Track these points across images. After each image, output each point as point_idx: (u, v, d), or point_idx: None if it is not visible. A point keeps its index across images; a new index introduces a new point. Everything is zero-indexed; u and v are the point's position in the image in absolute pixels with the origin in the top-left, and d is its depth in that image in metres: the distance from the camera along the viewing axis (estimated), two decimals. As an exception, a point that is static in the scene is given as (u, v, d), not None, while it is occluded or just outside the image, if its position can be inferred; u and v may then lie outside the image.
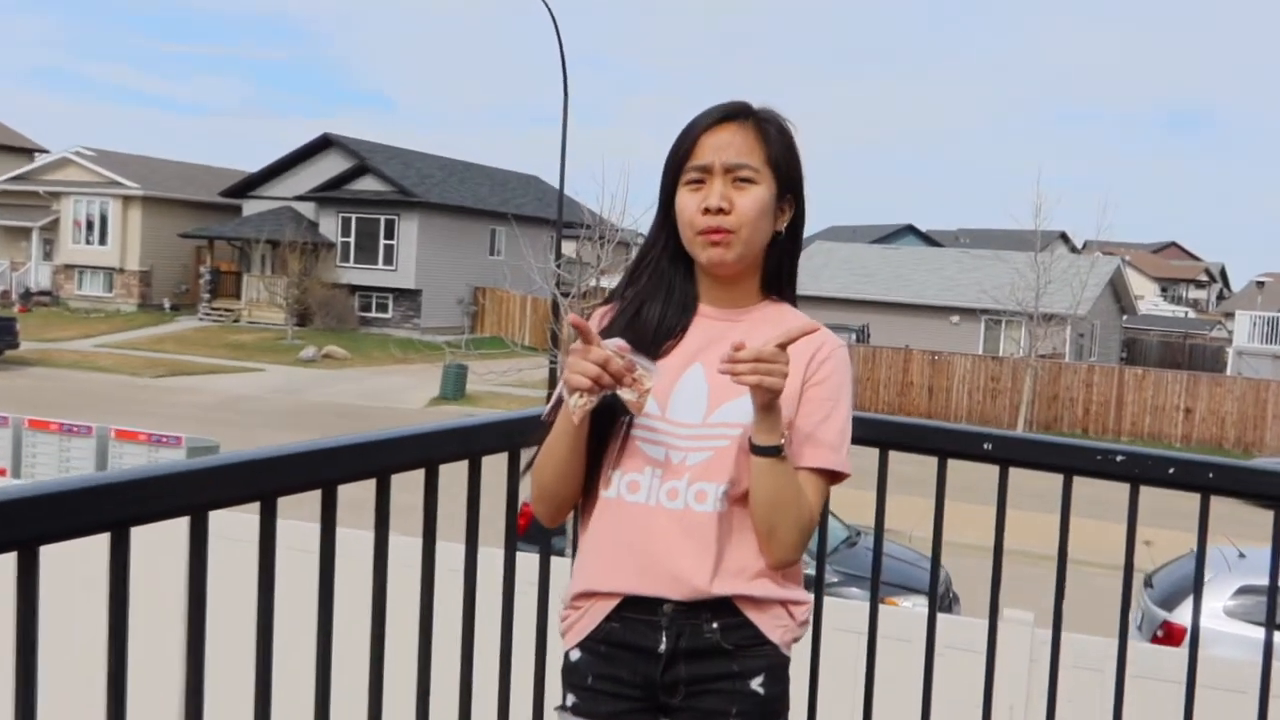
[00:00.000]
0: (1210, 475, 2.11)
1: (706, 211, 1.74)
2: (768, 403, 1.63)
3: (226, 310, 37.52)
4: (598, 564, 1.78)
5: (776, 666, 1.77)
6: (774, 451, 1.66)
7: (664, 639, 1.73)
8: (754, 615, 1.75)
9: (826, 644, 2.35)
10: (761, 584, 1.74)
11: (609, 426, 1.75)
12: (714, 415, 1.75)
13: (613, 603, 1.76)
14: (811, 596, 1.85)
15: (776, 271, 1.84)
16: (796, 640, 1.81)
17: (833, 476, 1.77)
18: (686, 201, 1.77)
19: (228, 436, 14.15)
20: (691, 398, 1.76)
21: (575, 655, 1.80)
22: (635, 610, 1.74)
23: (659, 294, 1.81)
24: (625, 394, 1.64)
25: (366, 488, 1.77)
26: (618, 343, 1.66)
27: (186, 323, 37.03)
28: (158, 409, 21.59)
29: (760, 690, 1.75)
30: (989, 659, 2.33)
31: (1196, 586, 2.19)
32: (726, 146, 1.76)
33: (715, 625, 1.73)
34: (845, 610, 4.41)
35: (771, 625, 1.77)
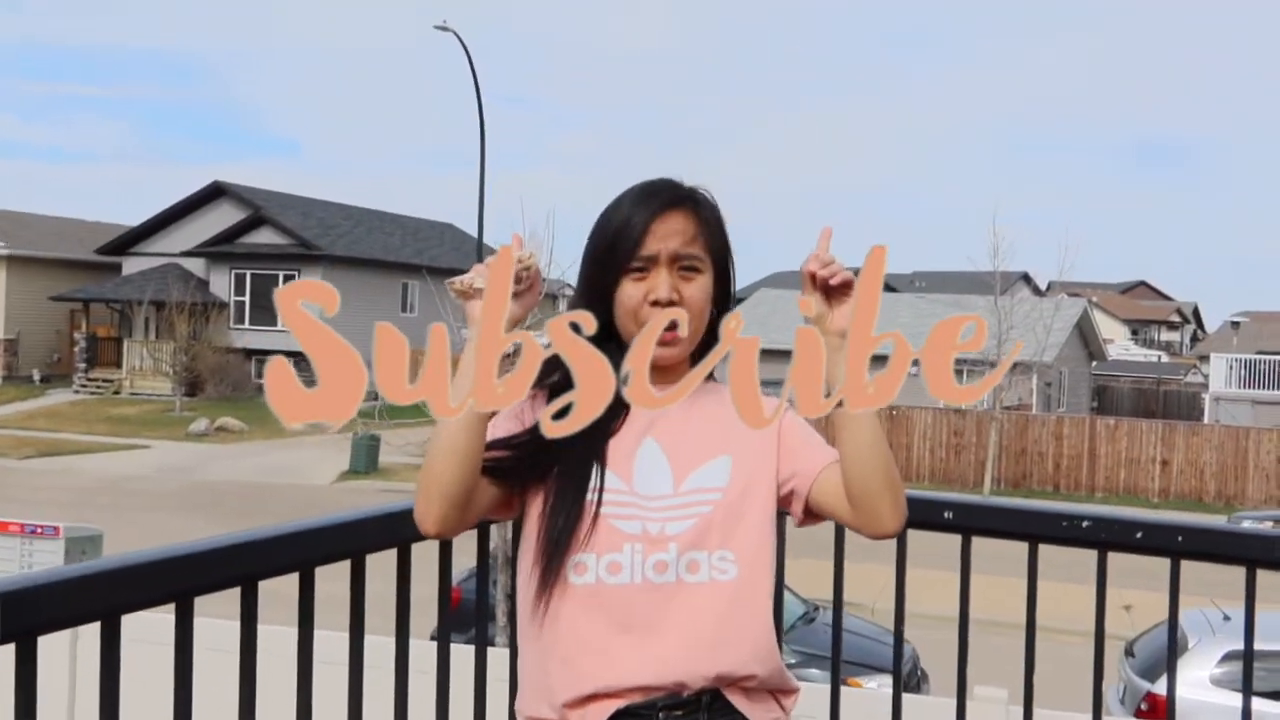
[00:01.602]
0: (1179, 539, 2.22)
1: (656, 304, 1.82)
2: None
3: (106, 381, 36.91)
4: (591, 661, 1.77)
5: None
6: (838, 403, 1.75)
7: None
8: (745, 707, 1.79)
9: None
10: (760, 664, 1.80)
11: (573, 506, 1.77)
12: (685, 485, 1.82)
13: (616, 703, 1.75)
14: (800, 687, 1.90)
15: (704, 350, 1.89)
16: None
17: None
18: (630, 292, 1.84)
19: (112, 524, 13.90)
20: (654, 470, 1.82)
21: None
22: (631, 714, 1.75)
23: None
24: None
25: (285, 580, 1.81)
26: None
27: (60, 396, 36.33)
28: (28, 494, 21.11)
29: None
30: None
31: (1170, 656, 2.29)
32: (672, 235, 1.85)
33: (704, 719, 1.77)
34: (804, 693, 4.46)
35: (762, 714, 1.81)
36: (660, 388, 1.83)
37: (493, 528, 2.31)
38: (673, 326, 1.76)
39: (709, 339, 1.90)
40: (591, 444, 1.80)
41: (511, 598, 2.10)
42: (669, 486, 1.81)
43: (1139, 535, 2.23)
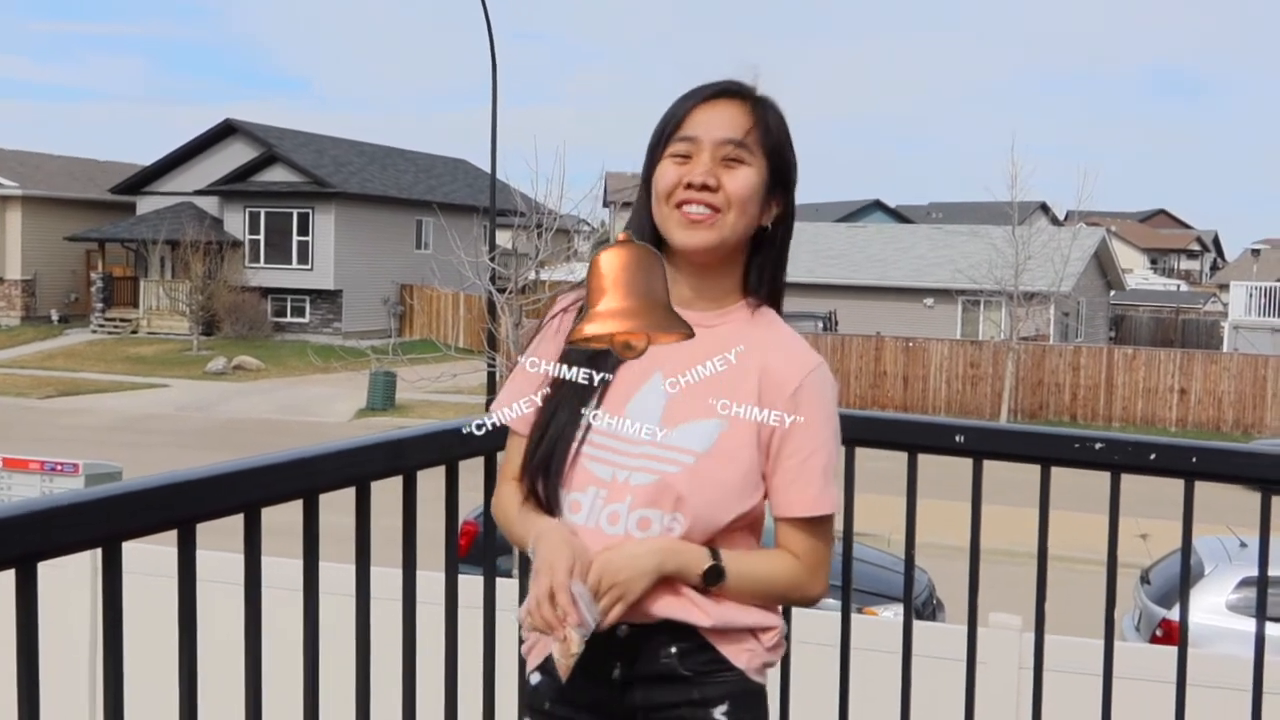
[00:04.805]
0: (1193, 460, 2.20)
1: (689, 187, 1.74)
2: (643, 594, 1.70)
3: (123, 320, 37.07)
4: None
5: (743, 694, 1.78)
6: (715, 579, 1.72)
7: (618, 665, 1.76)
8: (715, 639, 1.76)
9: (800, 659, 2.40)
10: (719, 612, 1.75)
11: (557, 441, 1.77)
12: (668, 435, 1.75)
13: None
14: (782, 620, 1.86)
15: (758, 272, 1.83)
16: (769, 666, 1.83)
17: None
18: (667, 172, 1.76)
19: (130, 461, 14.00)
20: (647, 412, 1.77)
21: (535, 679, 1.84)
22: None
23: None
24: (554, 648, 1.68)
25: (288, 511, 1.80)
26: (578, 587, 1.68)
27: (78, 336, 36.52)
28: (49, 433, 21.30)
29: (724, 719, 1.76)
30: (969, 667, 2.40)
31: (1183, 578, 2.27)
32: (719, 122, 1.76)
33: (673, 650, 1.75)
34: (816, 621, 4.47)
35: (737, 650, 1.78)
36: (694, 309, 1.77)
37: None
38: (707, 212, 1.71)
39: (758, 261, 1.82)
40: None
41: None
42: (651, 434, 1.76)
43: (1152, 457, 2.21)
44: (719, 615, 1.75)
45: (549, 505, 1.79)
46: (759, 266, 1.83)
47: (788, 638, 2.29)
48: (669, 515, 1.74)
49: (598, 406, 1.78)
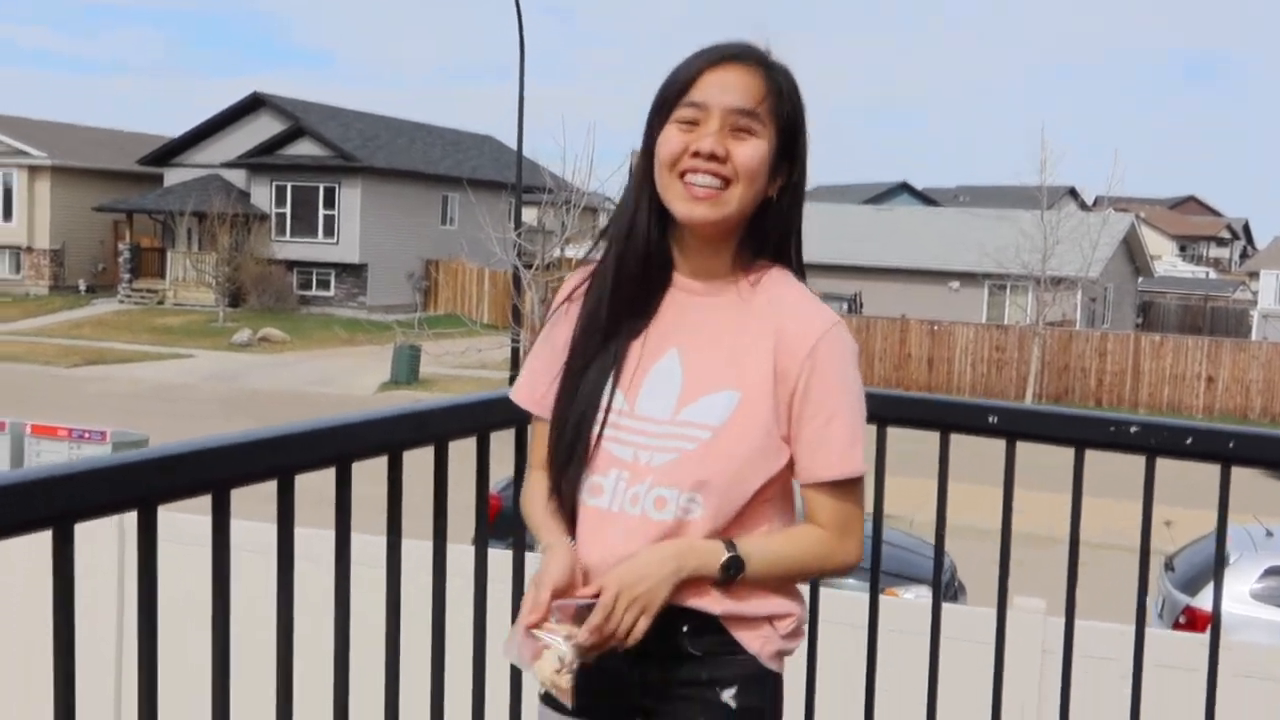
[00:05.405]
0: (1231, 445, 2.17)
1: (697, 155, 1.66)
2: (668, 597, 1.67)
3: (150, 291, 37.28)
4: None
5: (754, 678, 1.75)
6: (735, 571, 1.68)
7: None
8: (728, 623, 1.74)
9: (824, 639, 2.39)
10: (730, 603, 1.72)
11: (579, 427, 1.75)
12: (684, 412, 1.72)
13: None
14: (801, 607, 1.81)
15: (765, 238, 1.77)
16: (785, 654, 1.79)
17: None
18: (672, 138, 1.68)
19: (157, 430, 14.09)
20: (663, 389, 1.74)
21: None
22: None
23: (636, 261, 1.75)
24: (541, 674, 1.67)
25: (320, 481, 1.80)
26: (569, 603, 1.67)
27: (105, 305, 36.77)
28: (77, 401, 21.46)
29: (732, 703, 1.74)
30: (998, 650, 2.39)
31: (1218, 563, 2.25)
32: (730, 88, 1.68)
33: (685, 629, 1.72)
34: (840, 602, 4.47)
35: (751, 635, 1.75)
36: (701, 279, 1.76)
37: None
38: (714, 184, 1.66)
39: (762, 229, 1.76)
40: (609, 354, 1.76)
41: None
42: (668, 411, 1.72)
43: (1189, 441, 2.18)
44: (730, 605, 1.72)
45: (572, 497, 1.78)
46: (766, 233, 1.76)
47: (814, 623, 2.30)
48: (686, 495, 1.70)
49: (615, 388, 1.75)
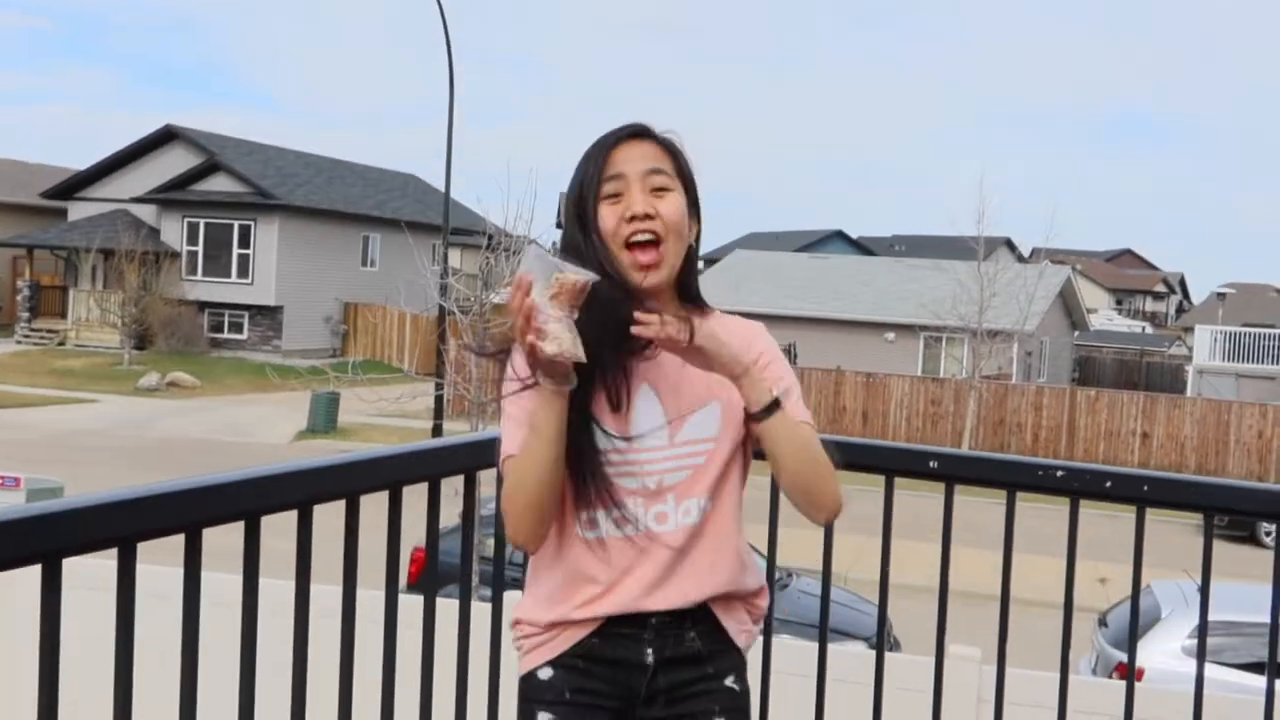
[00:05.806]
0: (1145, 488, 2.49)
1: (632, 219, 1.97)
2: (706, 363, 1.93)
3: (50, 331, 36.79)
4: (590, 591, 2.03)
5: (741, 666, 2.13)
6: (774, 406, 1.97)
7: (650, 651, 2.04)
8: (723, 618, 2.09)
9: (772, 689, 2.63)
10: (735, 579, 2.07)
11: (578, 472, 1.98)
12: (680, 435, 2.03)
13: (597, 622, 2.03)
14: (765, 589, 2.18)
15: (690, 283, 2.11)
16: (751, 644, 2.16)
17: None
18: (606, 216, 1.98)
19: (66, 478, 14.02)
20: (649, 421, 2.02)
21: (547, 673, 2.06)
22: (620, 625, 2.02)
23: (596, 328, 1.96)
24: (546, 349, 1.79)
25: (231, 533, 1.91)
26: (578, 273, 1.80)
27: (1, 346, 36.19)
28: (-27, 448, 21.13)
29: (735, 687, 2.10)
30: (935, 696, 2.65)
31: (1134, 600, 2.55)
32: (638, 157, 2.01)
33: (693, 633, 2.06)
34: (781, 652, 4.68)
35: (736, 629, 2.12)
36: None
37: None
38: (652, 244, 1.97)
39: (687, 275, 2.09)
40: (588, 401, 1.98)
41: (485, 558, 2.30)
42: (664, 438, 2.02)
43: (1108, 484, 2.50)
44: (735, 581, 2.07)
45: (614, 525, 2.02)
46: (690, 278, 2.11)
47: (766, 650, 2.57)
48: (704, 499, 2.02)
49: (603, 429, 2.00)
